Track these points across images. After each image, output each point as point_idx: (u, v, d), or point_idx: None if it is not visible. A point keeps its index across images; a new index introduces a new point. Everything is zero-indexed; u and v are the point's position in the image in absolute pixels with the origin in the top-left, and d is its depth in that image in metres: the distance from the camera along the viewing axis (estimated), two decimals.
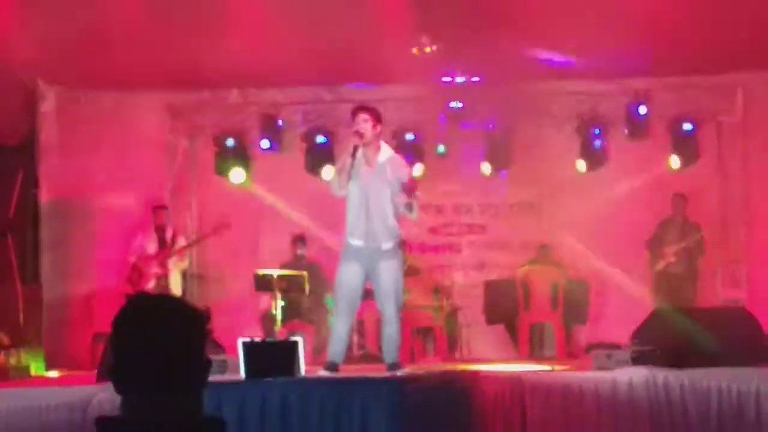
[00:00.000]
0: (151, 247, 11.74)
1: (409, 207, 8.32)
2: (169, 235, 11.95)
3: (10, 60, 11.17)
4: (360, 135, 8.21)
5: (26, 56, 11.06)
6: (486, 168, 13.04)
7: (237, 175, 13.15)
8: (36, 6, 9.44)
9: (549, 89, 12.77)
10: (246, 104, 13.32)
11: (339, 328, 8.42)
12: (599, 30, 10.36)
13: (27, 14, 9.63)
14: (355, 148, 8.20)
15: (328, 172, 12.83)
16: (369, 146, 8.32)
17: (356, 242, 8.34)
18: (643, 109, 12.75)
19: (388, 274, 8.31)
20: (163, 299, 2.72)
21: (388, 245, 8.33)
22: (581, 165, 12.98)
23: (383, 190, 8.30)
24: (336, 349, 8.37)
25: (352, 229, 8.36)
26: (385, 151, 8.47)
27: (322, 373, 8.17)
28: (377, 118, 8.37)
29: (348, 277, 8.35)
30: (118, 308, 2.60)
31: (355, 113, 8.40)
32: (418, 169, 12.33)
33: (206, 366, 2.61)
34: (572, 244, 12.69)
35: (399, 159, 8.62)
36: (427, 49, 10.41)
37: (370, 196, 8.29)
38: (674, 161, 12.85)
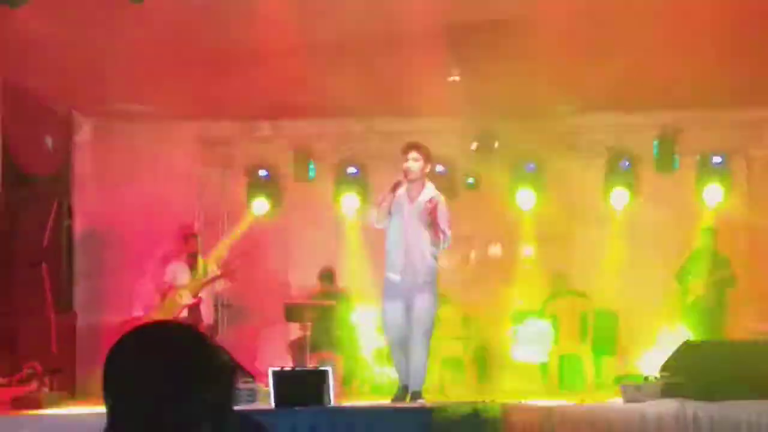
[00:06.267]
0: (183, 277, 11.80)
1: (436, 244, 8.51)
2: (200, 264, 12.01)
3: (47, 91, 11.37)
4: (406, 173, 8.43)
5: (62, 88, 11.25)
6: (515, 199, 13.09)
7: (267, 205, 13.26)
8: (73, 39, 9.58)
9: (578, 122, 12.81)
10: (277, 136, 13.43)
11: (398, 365, 8.71)
12: (627, 63, 10.42)
13: (64, 47, 9.78)
14: (397, 185, 8.42)
15: (352, 201, 12.96)
16: (414, 183, 8.51)
17: (394, 277, 8.54)
18: (672, 143, 12.78)
19: (422, 304, 8.49)
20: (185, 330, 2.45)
21: (425, 277, 8.50)
22: (611, 197, 12.99)
23: (422, 227, 8.45)
24: (403, 379, 8.61)
25: (390, 264, 8.59)
26: (429, 190, 8.59)
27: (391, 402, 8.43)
28: (427, 157, 8.58)
29: (392, 316, 8.58)
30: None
31: (405, 150, 8.58)
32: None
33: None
34: (602, 276, 12.68)
35: (439, 200, 8.61)
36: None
37: (409, 232, 8.47)
38: (704, 194, 12.84)
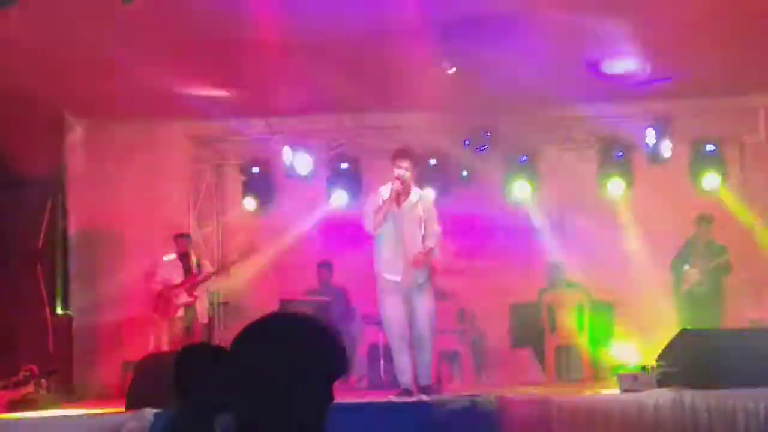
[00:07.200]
0: (177, 276, 11.75)
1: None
2: (194, 262, 11.98)
3: (37, 93, 11.32)
4: (401, 181, 8.58)
5: (53, 88, 11.21)
6: (509, 192, 13.08)
7: (257, 203, 13.26)
8: (62, 39, 9.55)
9: (571, 113, 12.81)
10: (270, 133, 13.42)
11: (402, 361, 8.79)
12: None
13: (53, 47, 9.75)
14: (398, 194, 8.59)
15: (340, 196, 12.95)
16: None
17: (393, 277, 8.70)
18: (665, 131, 12.78)
19: (424, 304, 8.72)
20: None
21: (422, 277, 8.66)
22: (605, 187, 12.99)
23: (415, 227, 8.67)
24: (405, 378, 8.72)
25: (387, 265, 8.74)
26: (416, 191, 8.83)
27: (395, 398, 8.44)
28: (416, 162, 8.86)
29: (393, 313, 8.74)
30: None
31: (396, 158, 8.74)
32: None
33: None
34: (597, 267, 12.66)
35: (428, 197, 9.12)
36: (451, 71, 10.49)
37: (404, 233, 8.62)
38: (697, 182, 12.83)
